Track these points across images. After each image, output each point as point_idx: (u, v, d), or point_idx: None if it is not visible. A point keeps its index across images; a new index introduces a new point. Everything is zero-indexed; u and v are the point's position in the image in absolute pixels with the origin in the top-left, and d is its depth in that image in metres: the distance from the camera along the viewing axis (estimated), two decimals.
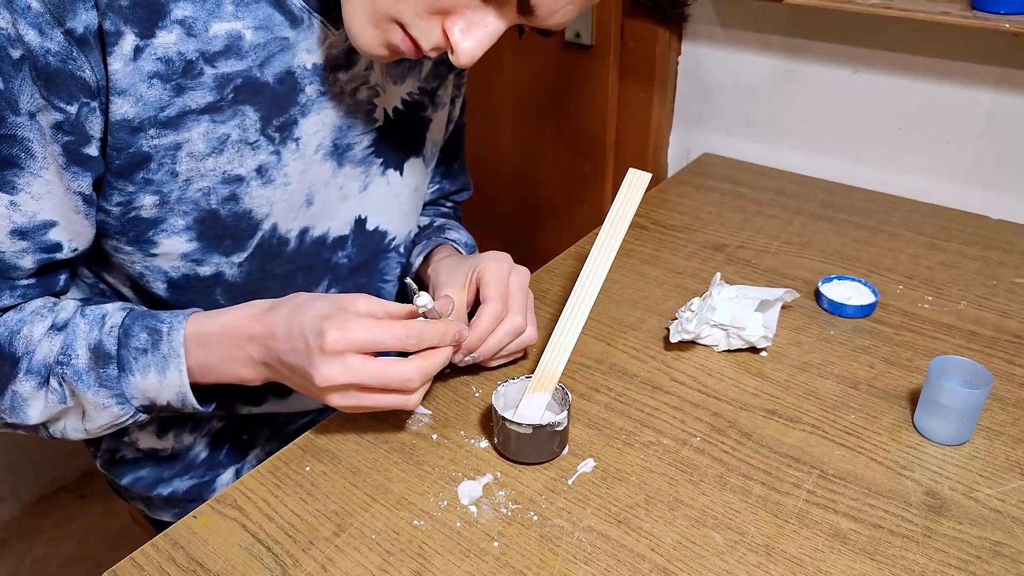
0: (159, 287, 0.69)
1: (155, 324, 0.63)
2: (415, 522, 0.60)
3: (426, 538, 0.59)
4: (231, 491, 0.64)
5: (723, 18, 1.19)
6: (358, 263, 0.80)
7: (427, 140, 0.82)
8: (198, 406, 0.64)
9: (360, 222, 0.78)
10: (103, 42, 0.56)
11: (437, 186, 0.93)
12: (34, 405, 0.62)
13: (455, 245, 0.86)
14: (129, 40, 0.56)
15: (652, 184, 1.29)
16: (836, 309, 0.85)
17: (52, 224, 0.60)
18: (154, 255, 0.66)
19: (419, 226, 0.92)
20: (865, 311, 0.84)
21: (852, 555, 0.57)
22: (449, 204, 0.98)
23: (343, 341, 0.57)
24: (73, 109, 0.56)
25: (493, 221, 1.57)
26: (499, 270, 0.71)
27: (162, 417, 0.82)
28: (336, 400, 0.60)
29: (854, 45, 1.09)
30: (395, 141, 0.77)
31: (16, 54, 0.53)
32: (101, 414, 0.63)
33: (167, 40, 0.58)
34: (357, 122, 0.73)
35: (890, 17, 0.97)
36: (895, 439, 0.68)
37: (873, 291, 0.86)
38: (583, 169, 1.39)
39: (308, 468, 0.65)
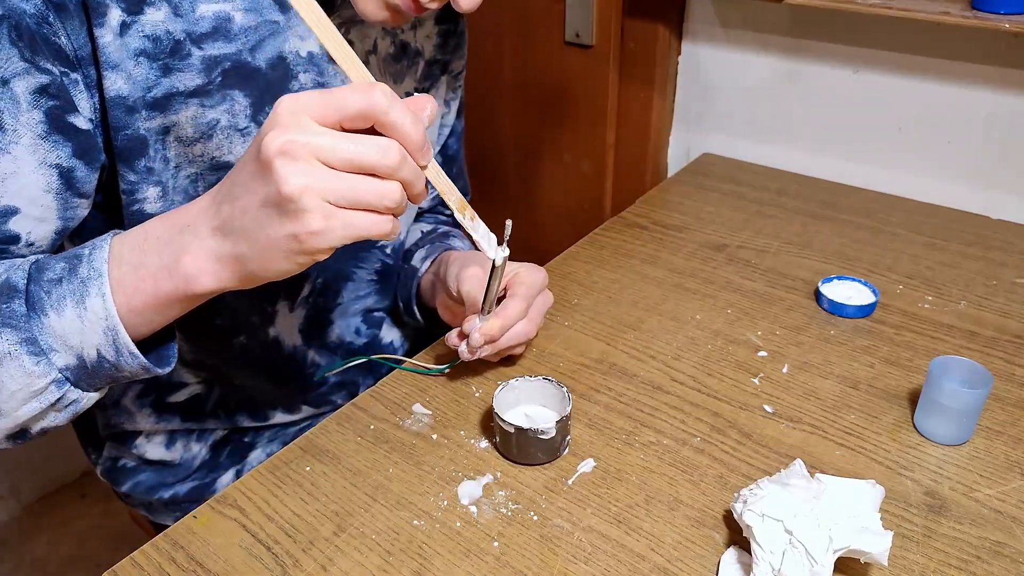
0: None
1: (78, 251, 0.53)
2: (415, 522, 0.60)
3: (426, 538, 0.59)
4: (231, 491, 0.64)
5: (723, 18, 1.19)
6: (340, 253, 0.79)
7: None
8: (136, 351, 0.52)
9: None
10: (87, 12, 0.54)
11: (435, 192, 0.93)
12: None
13: (460, 252, 0.86)
14: (116, 14, 0.55)
15: (652, 184, 1.30)
16: (836, 309, 0.85)
17: (13, 211, 0.56)
18: None
19: (421, 231, 0.92)
20: (865, 311, 0.84)
21: None
22: (448, 211, 0.98)
23: (300, 144, 0.45)
24: (57, 71, 0.54)
25: (493, 221, 1.56)
26: (535, 279, 0.71)
27: (170, 429, 0.82)
28: (315, 222, 0.46)
29: (854, 45, 1.09)
30: None
31: None
32: (9, 370, 0.51)
33: (155, 18, 0.57)
34: None
35: (890, 17, 0.97)
36: (895, 439, 0.68)
37: (873, 291, 0.86)
38: (583, 169, 1.39)
39: (308, 468, 0.65)
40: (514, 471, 0.65)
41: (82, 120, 0.57)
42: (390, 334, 0.90)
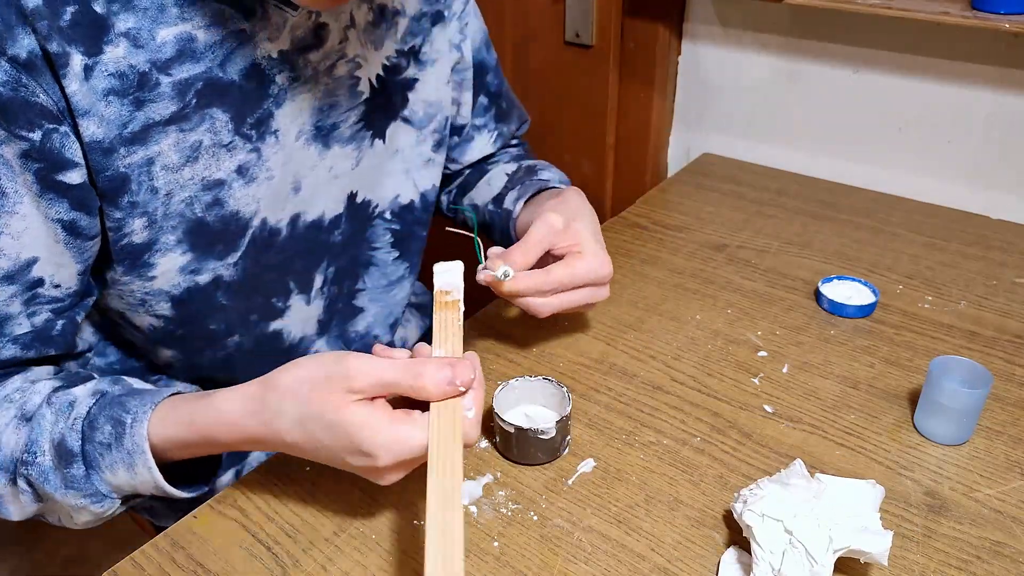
0: (163, 308, 0.68)
1: (119, 415, 0.57)
2: (415, 522, 0.60)
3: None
4: (231, 491, 0.64)
5: (723, 18, 1.19)
6: (348, 236, 0.79)
7: (414, 100, 0.79)
8: (180, 494, 0.59)
9: (351, 197, 0.77)
10: (51, 65, 0.54)
11: (496, 133, 0.91)
12: (10, 503, 0.59)
13: (552, 185, 0.84)
14: (77, 60, 0.55)
15: (652, 184, 1.30)
16: (836, 309, 0.85)
17: (34, 260, 0.59)
18: (152, 278, 0.65)
19: (505, 174, 0.89)
20: (865, 311, 0.84)
21: None
22: (514, 142, 0.96)
23: (396, 463, 0.52)
24: (36, 136, 0.55)
25: None
26: (587, 270, 0.70)
27: None
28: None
29: (854, 45, 1.09)
30: (380, 109, 0.76)
31: None
32: (80, 513, 0.59)
33: (116, 55, 0.57)
34: (339, 100, 0.71)
35: (890, 17, 0.97)
36: (895, 439, 0.68)
37: (873, 291, 0.86)
38: (583, 169, 1.39)
39: (308, 468, 0.65)
40: (514, 471, 0.65)
41: (73, 175, 0.57)
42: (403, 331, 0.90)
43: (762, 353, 0.79)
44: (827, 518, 0.53)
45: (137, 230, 0.62)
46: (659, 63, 1.24)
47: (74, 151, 0.57)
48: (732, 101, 1.23)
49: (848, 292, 0.87)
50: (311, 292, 0.78)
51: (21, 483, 0.58)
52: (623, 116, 1.32)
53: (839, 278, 0.88)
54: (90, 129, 0.57)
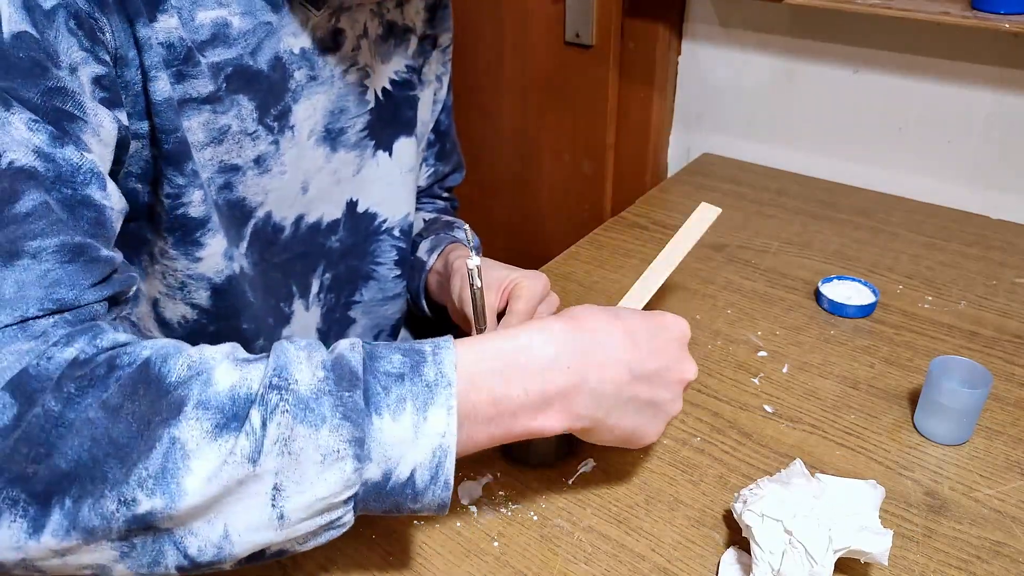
0: (202, 296, 0.67)
1: (414, 345, 0.47)
2: (415, 522, 0.60)
3: (426, 538, 0.59)
4: None
5: (723, 18, 1.19)
6: (348, 245, 0.79)
7: (417, 119, 0.81)
8: (452, 484, 0.45)
9: (351, 205, 0.77)
10: (127, 11, 0.54)
11: (432, 169, 0.93)
12: (200, 462, 0.40)
13: (467, 246, 0.86)
14: (142, 16, 0.55)
15: (652, 184, 1.30)
16: (836, 309, 0.85)
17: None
18: (199, 259, 0.64)
19: (424, 220, 0.91)
20: (865, 311, 0.84)
21: None
22: (445, 195, 0.97)
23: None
24: (110, 64, 0.54)
25: (493, 221, 1.56)
26: (533, 290, 0.71)
27: None
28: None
29: (854, 45, 1.09)
30: (386, 122, 0.77)
31: (48, 4, 0.49)
32: (323, 476, 0.42)
33: (168, 24, 0.57)
34: (349, 105, 0.72)
35: (890, 17, 0.97)
36: (895, 439, 0.68)
37: (873, 291, 0.86)
38: (583, 169, 1.39)
39: None
40: (514, 471, 0.65)
41: (124, 116, 0.56)
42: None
43: (762, 353, 0.79)
44: (827, 518, 0.53)
45: (195, 202, 0.62)
46: (659, 63, 1.24)
47: (114, 92, 0.54)
48: (732, 101, 1.23)
49: (848, 292, 0.87)
50: (309, 297, 0.78)
51: (254, 419, 0.41)
52: (623, 116, 1.32)
53: (839, 278, 0.88)
54: (160, 85, 0.56)
